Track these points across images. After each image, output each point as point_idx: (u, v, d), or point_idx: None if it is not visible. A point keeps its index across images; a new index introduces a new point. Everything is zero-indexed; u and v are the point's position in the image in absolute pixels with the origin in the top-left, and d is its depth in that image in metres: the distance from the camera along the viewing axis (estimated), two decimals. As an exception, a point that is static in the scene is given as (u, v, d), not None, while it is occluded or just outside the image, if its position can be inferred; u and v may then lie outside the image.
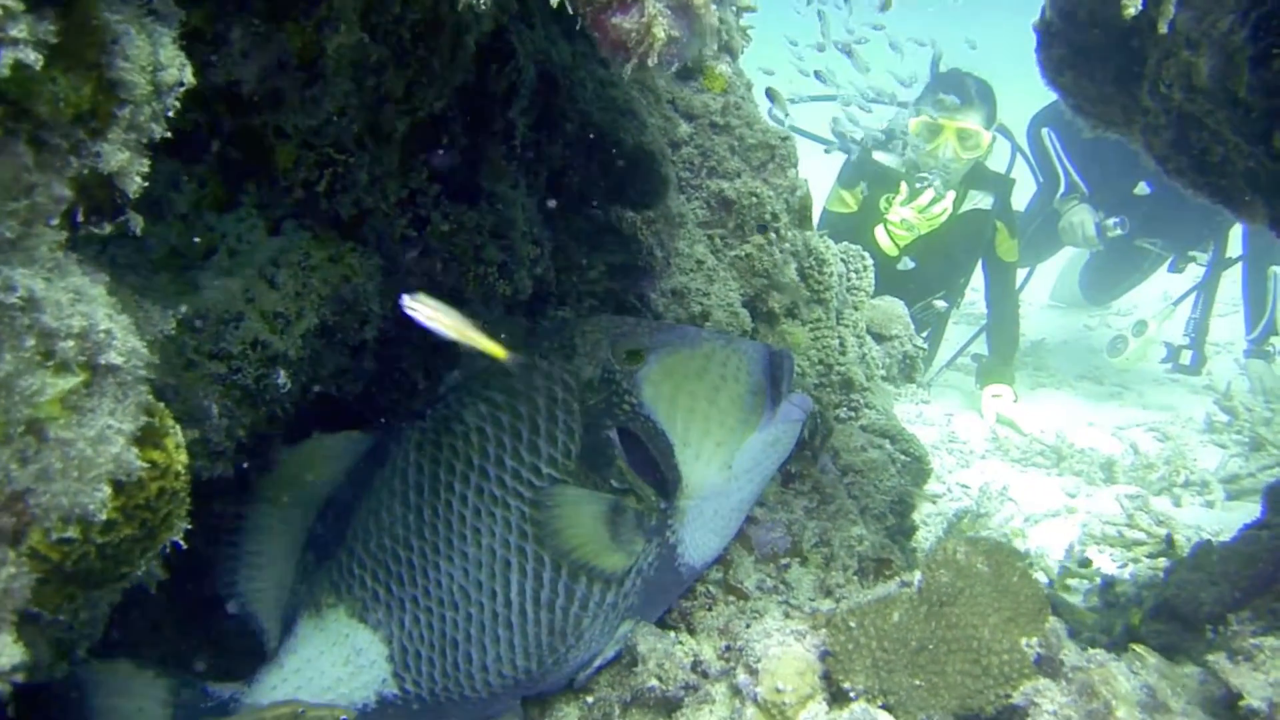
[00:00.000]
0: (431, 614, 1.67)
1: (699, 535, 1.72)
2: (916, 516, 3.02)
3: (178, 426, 1.02)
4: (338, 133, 1.52)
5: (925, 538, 4.07)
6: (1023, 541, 4.33)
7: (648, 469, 1.68)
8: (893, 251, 5.61)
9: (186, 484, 1.01)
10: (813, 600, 1.86)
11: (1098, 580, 3.38)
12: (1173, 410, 5.93)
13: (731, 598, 1.86)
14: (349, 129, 1.54)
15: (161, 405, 1.01)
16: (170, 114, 0.91)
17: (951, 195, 5.55)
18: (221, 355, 1.47)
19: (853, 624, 1.40)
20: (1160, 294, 7.60)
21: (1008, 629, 1.37)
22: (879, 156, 5.67)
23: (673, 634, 1.77)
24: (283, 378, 1.52)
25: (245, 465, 1.57)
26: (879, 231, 5.61)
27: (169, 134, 0.91)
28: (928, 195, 5.48)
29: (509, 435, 1.66)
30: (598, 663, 1.75)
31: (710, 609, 1.84)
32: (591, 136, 2.21)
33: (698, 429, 1.67)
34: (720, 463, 1.68)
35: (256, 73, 1.29)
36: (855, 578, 1.98)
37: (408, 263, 1.77)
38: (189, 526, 1.05)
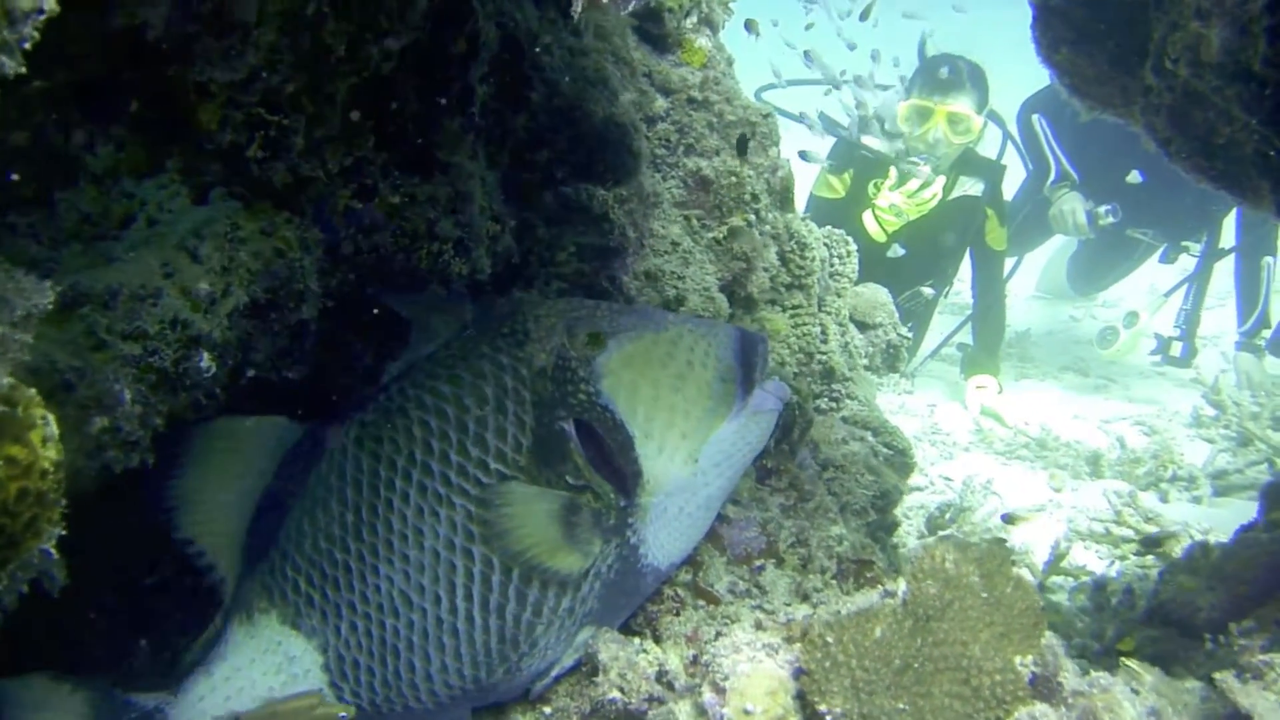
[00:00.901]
0: (370, 620, 1.54)
1: (663, 535, 1.59)
2: (898, 511, 2.90)
3: (50, 416, 0.88)
4: (268, 91, 1.37)
5: (907, 532, 3.97)
6: (1006, 535, 4.22)
7: (606, 464, 1.55)
8: (881, 238, 5.49)
9: (57, 483, 0.87)
10: (788, 605, 1.74)
11: (1084, 578, 3.27)
12: (1159, 404, 5.84)
13: (701, 602, 1.74)
14: (282, 88, 1.39)
15: (30, 392, 0.87)
16: (27, 45, 0.76)
17: (941, 181, 5.43)
18: (136, 335, 1.32)
19: (830, 639, 1.27)
20: (1146, 285, 7.52)
21: (1000, 646, 1.24)
22: (868, 140, 5.54)
23: (637, 641, 1.65)
24: (206, 360, 1.37)
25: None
26: (867, 217, 5.49)
27: (24, 69, 0.77)
28: (917, 180, 5.36)
29: (454, 428, 1.52)
30: (555, 672, 1.63)
31: (678, 614, 1.72)
32: (559, 106, 2.06)
33: (661, 420, 1.54)
34: (685, 456, 1.55)
35: (164, 16, 1.14)
36: (834, 581, 1.86)
37: (352, 237, 1.63)
38: (63, 532, 0.91)
